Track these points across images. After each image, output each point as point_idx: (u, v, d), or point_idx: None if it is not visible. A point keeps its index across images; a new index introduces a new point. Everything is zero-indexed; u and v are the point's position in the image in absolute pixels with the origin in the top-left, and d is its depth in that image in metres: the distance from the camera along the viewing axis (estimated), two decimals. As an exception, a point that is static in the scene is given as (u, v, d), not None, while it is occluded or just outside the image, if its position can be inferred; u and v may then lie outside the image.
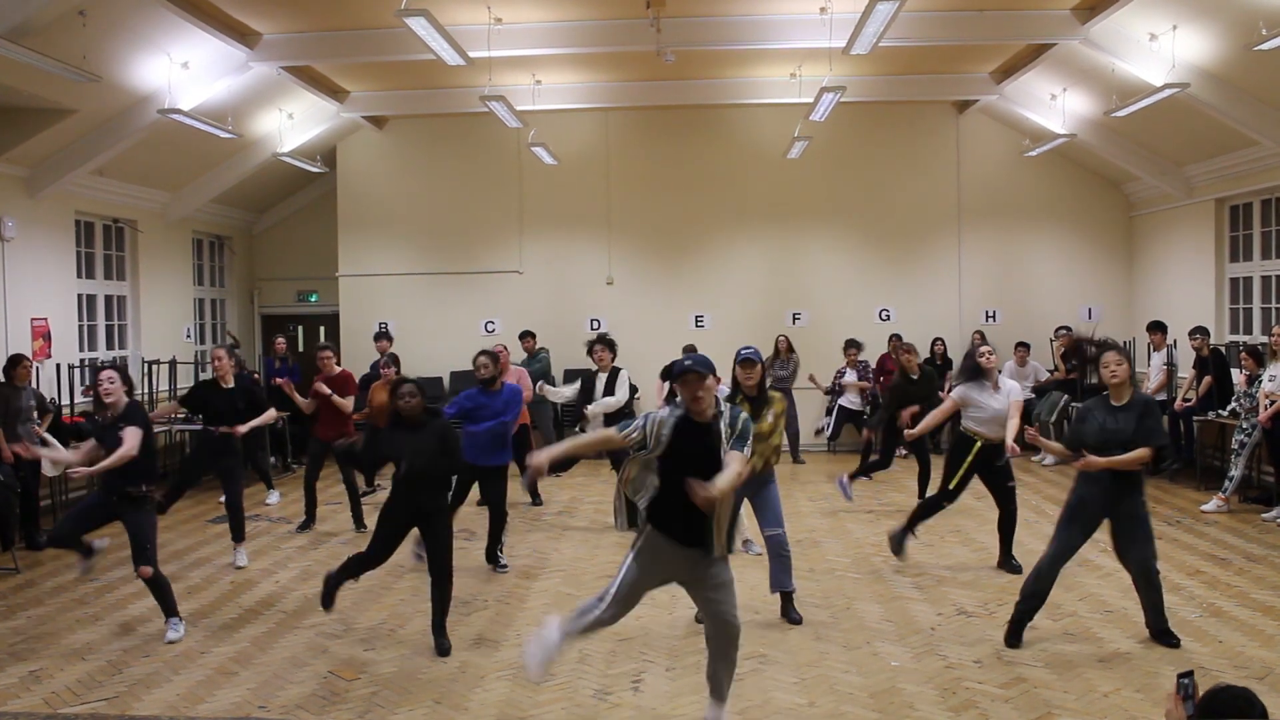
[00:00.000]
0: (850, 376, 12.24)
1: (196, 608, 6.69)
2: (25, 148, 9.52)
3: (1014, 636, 5.63)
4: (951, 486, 7.20)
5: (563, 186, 13.82)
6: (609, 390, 9.09)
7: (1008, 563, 7.32)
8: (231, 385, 7.89)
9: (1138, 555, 5.43)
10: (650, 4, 8.98)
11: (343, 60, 10.76)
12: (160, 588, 6.00)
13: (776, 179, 13.63)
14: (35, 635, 6.10)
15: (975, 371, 7.11)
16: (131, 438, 5.80)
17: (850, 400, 12.40)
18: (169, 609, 6.06)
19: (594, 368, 9.28)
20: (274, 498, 10.47)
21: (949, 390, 11.95)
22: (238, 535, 7.81)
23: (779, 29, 9.74)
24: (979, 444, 7.09)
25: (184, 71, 9.52)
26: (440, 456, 5.69)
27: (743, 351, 5.93)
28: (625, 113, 13.62)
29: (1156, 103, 9.44)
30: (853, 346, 12.34)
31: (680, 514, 4.17)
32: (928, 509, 7.41)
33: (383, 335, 11.93)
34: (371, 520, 9.12)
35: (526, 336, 12.44)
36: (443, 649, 5.68)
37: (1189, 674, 2.67)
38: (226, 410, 7.74)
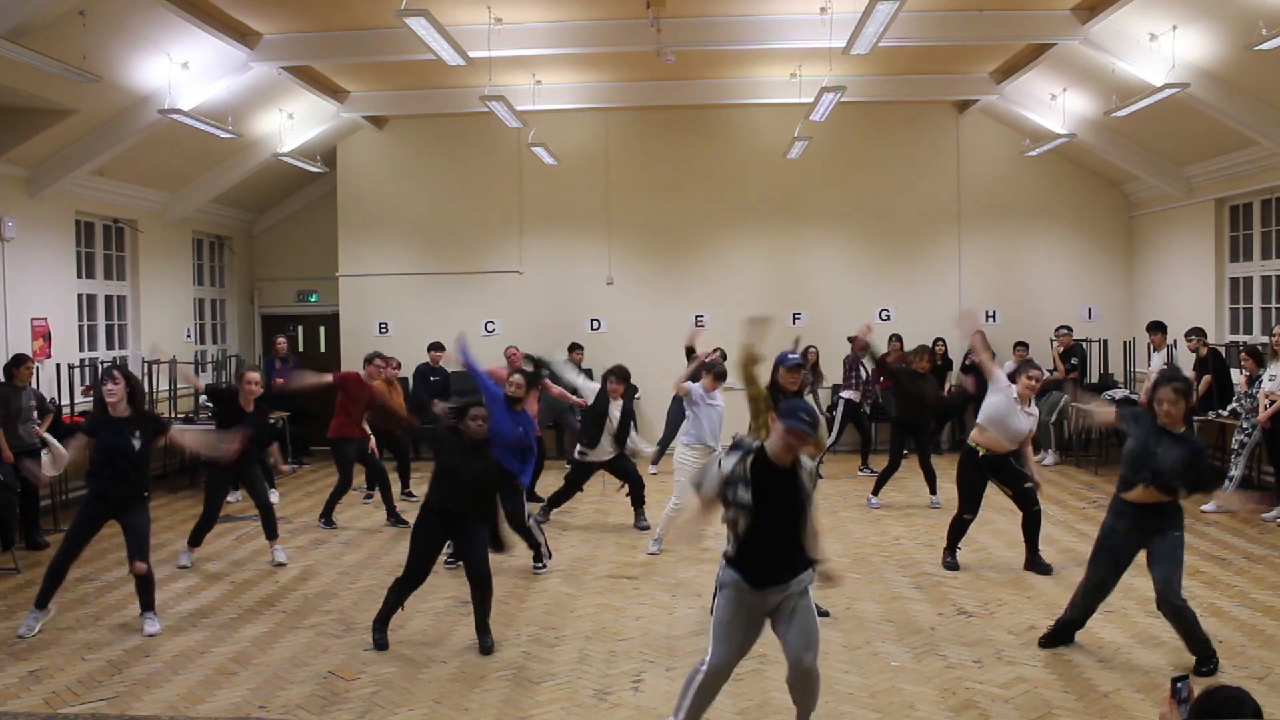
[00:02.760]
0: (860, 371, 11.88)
1: (196, 607, 6.69)
2: (25, 148, 9.52)
3: (1049, 642, 5.59)
4: (969, 504, 7.19)
5: (563, 186, 13.82)
6: (625, 423, 8.89)
7: (1035, 563, 7.21)
8: (250, 410, 7.92)
9: (1159, 577, 5.17)
10: (650, 4, 8.98)
11: (343, 60, 10.75)
12: (148, 584, 6.18)
13: (776, 179, 13.63)
14: (36, 635, 6.10)
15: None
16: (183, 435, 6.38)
17: (851, 394, 12.04)
18: (148, 603, 6.19)
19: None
20: (274, 496, 10.47)
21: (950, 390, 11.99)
22: (270, 533, 7.93)
23: (779, 29, 9.74)
24: (982, 454, 7.06)
25: (184, 71, 9.52)
26: (485, 471, 5.86)
27: (790, 358, 6.32)
28: (625, 113, 13.62)
29: (1156, 103, 9.43)
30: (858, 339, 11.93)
31: (759, 558, 4.08)
32: (958, 528, 7.37)
33: (436, 347, 12.34)
34: (343, 517, 9.35)
35: (576, 349, 12.37)
36: (485, 647, 5.72)
37: (1184, 678, 2.68)
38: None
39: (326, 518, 9.24)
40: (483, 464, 5.86)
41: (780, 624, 4.16)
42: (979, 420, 7.13)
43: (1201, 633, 5.20)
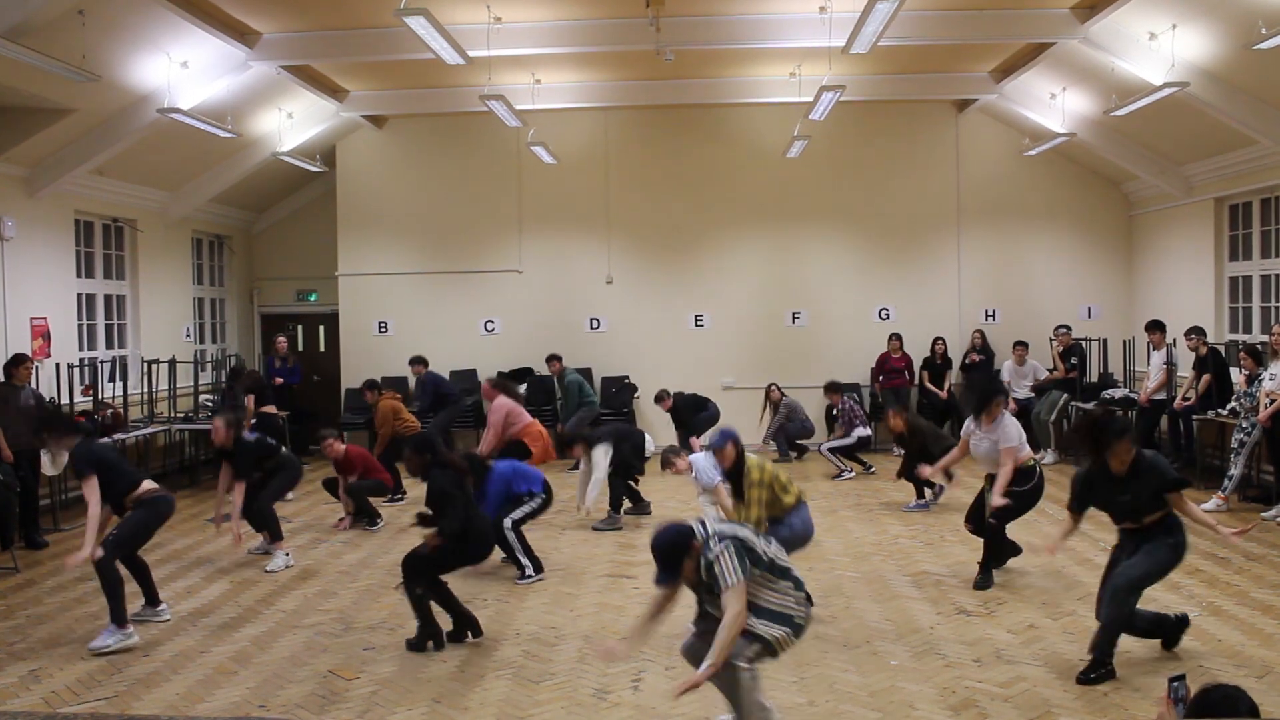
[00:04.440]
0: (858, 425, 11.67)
1: (196, 607, 6.69)
2: (25, 147, 9.52)
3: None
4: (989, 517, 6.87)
5: (562, 186, 13.81)
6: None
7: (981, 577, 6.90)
8: (230, 449, 7.67)
9: (1122, 567, 5.08)
10: (650, 3, 8.97)
11: (342, 59, 10.75)
12: (107, 582, 5.76)
13: (776, 178, 13.62)
14: (35, 635, 6.11)
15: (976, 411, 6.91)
16: (89, 491, 5.82)
17: (863, 431, 11.68)
18: (113, 613, 5.80)
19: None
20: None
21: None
22: (272, 536, 7.89)
23: (778, 28, 9.74)
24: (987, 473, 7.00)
25: (183, 71, 9.51)
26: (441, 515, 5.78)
27: (713, 440, 6.25)
28: (625, 112, 13.61)
29: (1156, 102, 9.43)
30: (833, 390, 11.86)
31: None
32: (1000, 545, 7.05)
33: (418, 361, 11.89)
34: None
35: (553, 360, 12.39)
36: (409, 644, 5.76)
37: (1180, 677, 2.68)
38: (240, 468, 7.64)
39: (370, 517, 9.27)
40: (432, 500, 5.79)
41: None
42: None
43: (1112, 639, 5.09)
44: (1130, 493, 5.04)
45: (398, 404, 10.58)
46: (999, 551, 6.98)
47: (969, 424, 7.01)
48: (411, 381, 12.14)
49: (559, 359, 12.45)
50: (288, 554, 7.82)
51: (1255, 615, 6.09)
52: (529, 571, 7.33)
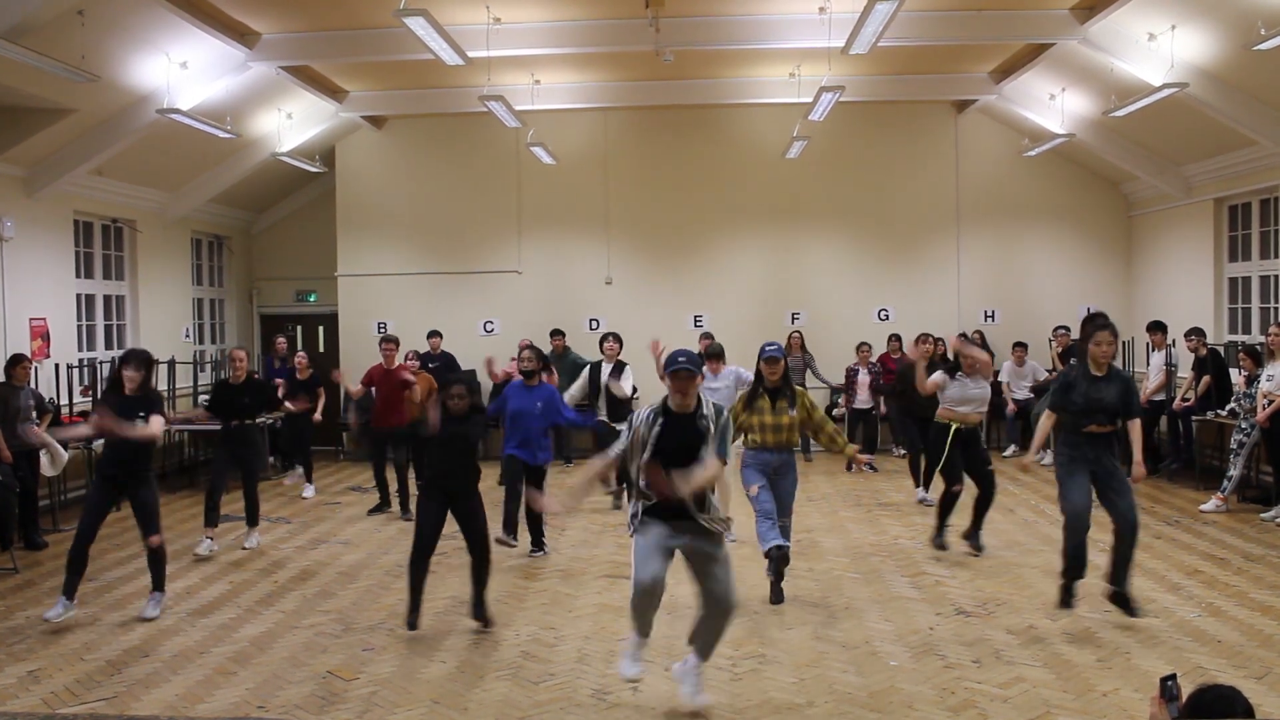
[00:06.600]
0: (863, 377, 12.23)
1: (195, 607, 6.69)
2: (24, 147, 9.51)
3: (1066, 597, 6.02)
4: (941, 470, 7.71)
5: (562, 186, 13.82)
6: (616, 379, 9.67)
7: (972, 536, 7.69)
8: (240, 382, 8.54)
9: (1124, 505, 5.81)
10: (649, 4, 8.97)
11: (341, 60, 10.76)
12: (160, 559, 6.44)
13: (775, 179, 13.63)
14: (34, 635, 6.10)
15: (955, 370, 7.77)
16: (156, 425, 6.28)
17: (862, 400, 12.52)
18: (158, 582, 6.47)
19: (602, 359, 10.04)
20: (309, 491, 10.84)
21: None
22: (251, 520, 8.34)
23: (778, 29, 9.75)
24: (954, 427, 7.60)
25: (183, 71, 9.52)
26: (467, 448, 6.15)
27: (768, 349, 6.58)
28: (624, 112, 13.61)
29: (1155, 102, 9.44)
30: (865, 346, 12.43)
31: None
32: (948, 502, 7.72)
33: (434, 334, 12.88)
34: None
35: (556, 335, 12.47)
36: (479, 616, 6.05)
37: (1172, 676, 2.67)
38: (236, 406, 8.40)
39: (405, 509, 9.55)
40: (462, 430, 6.09)
41: (701, 562, 4.67)
42: (938, 412, 7.82)
43: (1131, 564, 5.95)
44: (1105, 393, 5.85)
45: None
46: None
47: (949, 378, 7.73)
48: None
49: (563, 335, 12.51)
50: (257, 536, 8.39)
51: (1255, 616, 6.09)
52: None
